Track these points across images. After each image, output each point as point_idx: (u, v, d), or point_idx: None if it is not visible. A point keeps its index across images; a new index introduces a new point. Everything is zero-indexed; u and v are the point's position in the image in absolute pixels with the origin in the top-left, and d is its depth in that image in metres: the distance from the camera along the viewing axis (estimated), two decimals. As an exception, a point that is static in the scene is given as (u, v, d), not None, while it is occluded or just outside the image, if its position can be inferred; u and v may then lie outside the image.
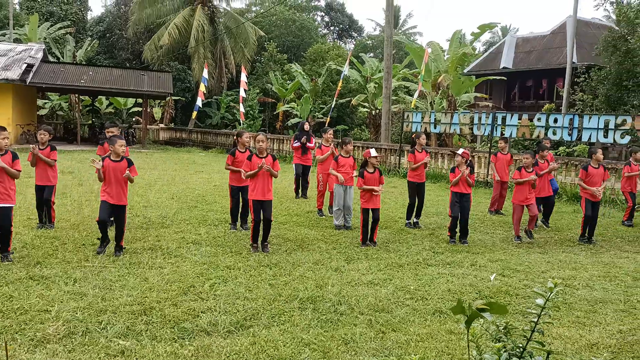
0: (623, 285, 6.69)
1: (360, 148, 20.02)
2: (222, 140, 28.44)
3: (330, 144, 10.99)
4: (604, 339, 4.98)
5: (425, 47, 24.41)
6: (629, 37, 19.60)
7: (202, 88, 27.64)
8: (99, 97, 34.54)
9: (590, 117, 13.56)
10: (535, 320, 2.53)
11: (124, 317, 5.13)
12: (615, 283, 6.78)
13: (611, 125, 12.93)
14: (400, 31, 54.87)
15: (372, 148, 8.87)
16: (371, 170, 8.48)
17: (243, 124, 28.27)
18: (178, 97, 35.17)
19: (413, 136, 10.66)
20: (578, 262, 7.83)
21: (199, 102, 27.69)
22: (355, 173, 8.97)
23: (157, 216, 9.99)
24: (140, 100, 31.47)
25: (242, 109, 26.89)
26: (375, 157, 8.50)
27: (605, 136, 13.07)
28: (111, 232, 7.54)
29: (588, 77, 22.00)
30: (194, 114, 29.24)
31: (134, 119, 35.61)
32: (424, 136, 10.28)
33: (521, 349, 2.51)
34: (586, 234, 9.28)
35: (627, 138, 12.79)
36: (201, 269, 6.81)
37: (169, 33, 32.79)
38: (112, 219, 7.64)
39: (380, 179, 8.52)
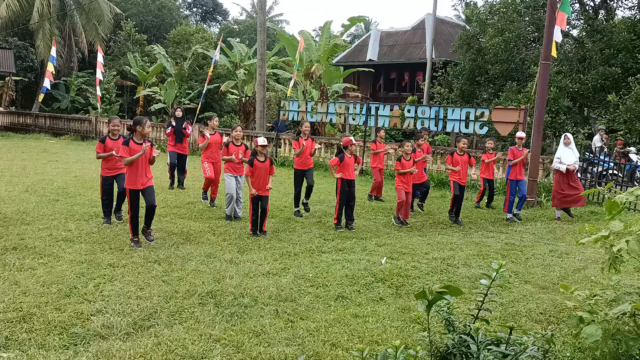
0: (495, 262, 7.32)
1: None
2: (75, 126, 26.14)
3: (215, 131, 10.59)
4: (489, 312, 5.39)
5: (298, 36, 24.55)
6: (480, 37, 21.54)
7: (51, 68, 24.96)
8: None
9: (453, 110, 14.66)
10: (482, 299, 2.65)
11: (0, 326, 4.47)
12: (488, 260, 7.38)
13: (471, 117, 14.10)
14: (266, 18, 54.65)
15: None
16: (262, 159, 8.32)
17: (100, 108, 26.23)
18: (19, 78, 31.61)
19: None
20: (454, 243, 8.43)
21: (47, 84, 24.95)
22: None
23: (14, 211, 8.91)
24: (-26, 80, 27.79)
25: (99, 92, 24.93)
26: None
27: (467, 127, 14.20)
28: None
29: (445, 72, 23.80)
30: (41, 96, 26.37)
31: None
32: (307, 124, 10.34)
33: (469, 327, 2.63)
34: (454, 211, 10.15)
35: (485, 129, 14.03)
36: (80, 268, 6.20)
37: (7, 5, 29.23)
38: None
39: (270, 168, 8.40)
